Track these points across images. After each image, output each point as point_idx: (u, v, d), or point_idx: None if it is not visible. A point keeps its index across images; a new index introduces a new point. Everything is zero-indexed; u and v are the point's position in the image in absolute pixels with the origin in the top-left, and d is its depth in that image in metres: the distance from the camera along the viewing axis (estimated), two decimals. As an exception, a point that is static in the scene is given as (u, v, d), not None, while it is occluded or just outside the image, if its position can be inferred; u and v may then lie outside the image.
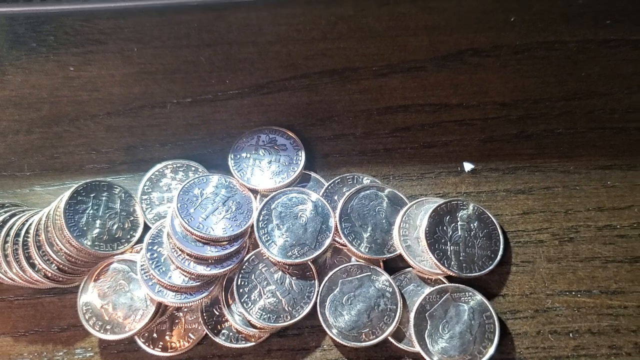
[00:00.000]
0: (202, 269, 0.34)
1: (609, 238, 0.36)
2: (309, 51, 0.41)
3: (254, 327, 0.34)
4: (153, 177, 0.38)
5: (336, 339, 0.34)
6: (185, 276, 0.34)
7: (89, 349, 0.35)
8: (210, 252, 0.34)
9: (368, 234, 0.36)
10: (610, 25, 0.41)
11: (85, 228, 0.35)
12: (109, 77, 0.41)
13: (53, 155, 0.40)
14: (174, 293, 0.34)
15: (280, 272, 0.35)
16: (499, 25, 0.41)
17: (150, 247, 0.35)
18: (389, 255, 0.35)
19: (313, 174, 0.38)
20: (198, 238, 0.34)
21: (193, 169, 0.38)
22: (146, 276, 0.34)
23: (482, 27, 0.41)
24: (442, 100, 0.40)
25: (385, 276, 0.35)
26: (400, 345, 0.34)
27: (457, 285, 0.35)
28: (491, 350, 0.33)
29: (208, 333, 0.34)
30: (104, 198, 0.36)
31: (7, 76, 0.42)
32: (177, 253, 0.34)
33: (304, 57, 0.41)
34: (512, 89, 0.40)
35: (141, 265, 0.34)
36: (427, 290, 0.35)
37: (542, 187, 0.37)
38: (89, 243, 0.35)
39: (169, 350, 0.34)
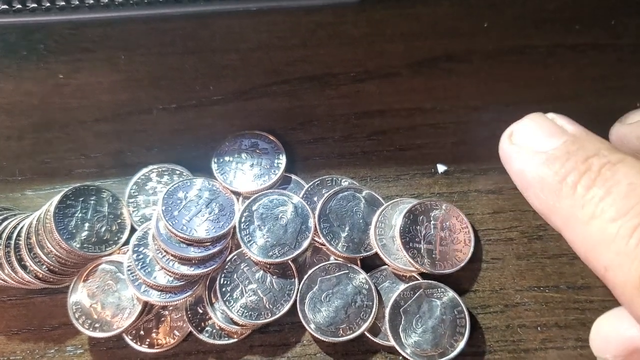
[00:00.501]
0: (185, 269, 0.35)
1: (576, 236, 0.38)
2: (289, 58, 0.43)
3: (236, 324, 0.36)
4: (139, 180, 0.39)
5: (315, 334, 0.35)
6: (170, 276, 0.35)
7: (79, 346, 0.37)
8: (194, 252, 0.36)
9: (346, 233, 0.37)
10: (579, 30, 0.43)
11: (74, 231, 0.36)
12: (97, 85, 0.43)
13: (44, 160, 0.41)
14: (159, 292, 0.35)
15: (261, 272, 0.37)
16: (472, 32, 0.43)
17: (136, 249, 0.36)
18: (365, 254, 0.37)
19: (294, 177, 0.40)
20: (182, 239, 0.36)
21: (178, 172, 0.39)
22: (132, 276, 0.36)
23: (456, 33, 0.43)
24: (417, 104, 0.41)
25: (362, 274, 0.37)
26: (376, 340, 0.36)
27: (430, 281, 0.36)
28: (462, 344, 0.35)
29: (192, 330, 0.36)
30: (92, 202, 0.38)
31: (-1, 84, 0.43)
32: (161, 254, 0.36)
33: (284, 64, 0.43)
34: (484, 93, 0.41)
35: (127, 266, 0.36)
36: (402, 286, 0.36)
37: (512, 188, 0.39)
38: (78, 245, 0.36)
39: (156, 347, 0.36)
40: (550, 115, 0.33)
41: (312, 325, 0.36)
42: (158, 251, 0.36)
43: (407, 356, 0.35)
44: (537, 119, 0.32)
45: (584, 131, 0.31)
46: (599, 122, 0.40)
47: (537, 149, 0.31)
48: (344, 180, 0.39)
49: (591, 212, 0.27)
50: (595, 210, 0.27)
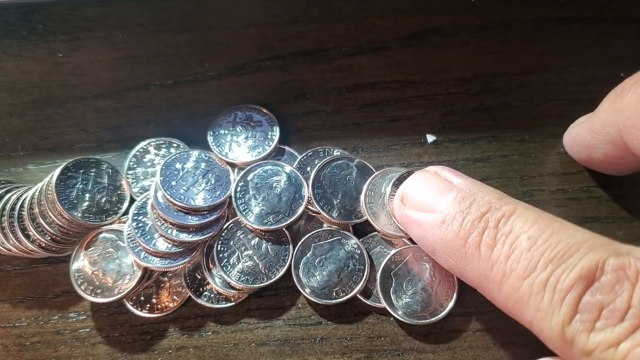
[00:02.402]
0: (184, 236, 0.37)
1: (561, 201, 0.39)
2: (282, 34, 0.44)
3: (233, 288, 0.37)
4: (138, 153, 0.40)
5: (309, 297, 0.37)
6: (169, 243, 0.37)
7: (82, 312, 0.38)
8: (192, 220, 0.37)
9: (338, 200, 0.39)
10: (565, 3, 0.44)
11: (75, 201, 0.38)
12: (96, 62, 0.44)
13: (45, 136, 0.42)
14: (159, 258, 0.37)
15: (257, 238, 0.38)
16: (460, 6, 0.44)
17: (135, 217, 0.38)
18: (356, 221, 0.38)
19: (287, 148, 0.41)
20: (180, 208, 0.37)
21: (175, 145, 0.41)
22: (132, 244, 0.37)
23: (444, 7, 0.44)
24: (407, 77, 0.42)
25: (354, 240, 0.38)
26: (368, 302, 0.37)
27: (419, 246, 0.38)
28: (451, 304, 0.36)
29: (191, 295, 0.37)
30: (92, 174, 0.39)
31: (0, 63, 0.44)
32: (160, 222, 0.37)
33: (278, 40, 0.44)
34: (471, 65, 0.42)
35: (128, 234, 0.37)
36: (392, 251, 0.38)
37: (499, 155, 0.40)
38: (79, 215, 0.37)
39: (156, 311, 0.37)
40: (432, 168, 0.33)
41: (307, 289, 0.37)
42: (157, 219, 0.37)
43: (398, 317, 0.36)
44: (422, 177, 0.33)
45: (470, 182, 0.32)
46: (583, 92, 0.42)
47: (430, 209, 0.32)
48: (336, 151, 0.41)
49: (501, 272, 0.28)
50: (505, 270, 0.28)
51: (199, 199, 0.37)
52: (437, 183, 0.32)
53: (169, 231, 0.37)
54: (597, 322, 0.25)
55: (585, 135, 0.36)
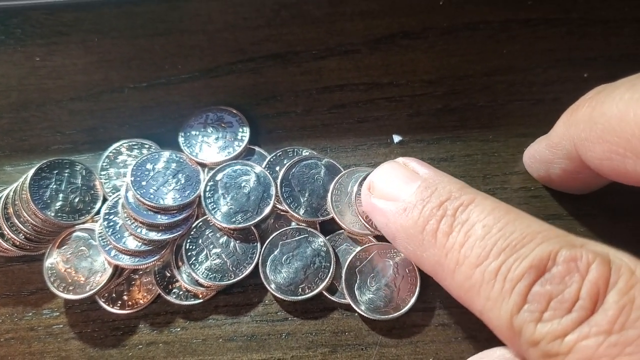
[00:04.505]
0: (153, 235, 0.38)
1: (524, 199, 0.40)
2: (254, 37, 0.45)
3: (202, 285, 0.38)
4: (111, 154, 0.41)
5: (276, 294, 0.38)
6: (139, 242, 0.38)
7: (55, 309, 0.39)
8: (161, 219, 0.38)
9: (305, 198, 0.39)
10: (532, 5, 0.45)
11: (49, 201, 0.39)
12: (72, 66, 0.45)
13: (21, 137, 0.43)
14: (129, 256, 0.38)
15: (225, 237, 0.39)
16: (428, 9, 0.45)
17: (107, 217, 0.39)
18: (322, 219, 0.39)
19: (257, 149, 0.42)
20: (149, 207, 0.38)
21: (147, 146, 0.42)
22: (103, 242, 0.38)
23: (412, 11, 0.45)
24: (375, 79, 0.43)
25: (320, 237, 0.39)
26: (333, 298, 0.38)
27: (384, 243, 0.38)
28: (413, 299, 0.37)
29: (160, 292, 0.38)
30: (66, 174, 0.40)
31: (-22, 67, 0.45)
32: (130, 221, 0.38)
33: (250, 43, 0.45)
34: (438, 67, 0.43)
35: (99, 233, 0.38)
36: (357, 249, 0.39)
37: (463, 155, 0.41)
38: (53, 214, 0.38)
39: (127, 308, 0.38)
40: (401, 160, 0.34)
41: (273, 285, 0.38)
42: (127, 218, 0.38)
43: (362, 312, 0.37)
44: (390, 167, 0.34)
45: (434, 173, 0.32)
46: (548, 92, 0.43)
47: (394, 198, 0.32)
48: (305, 151, 0.42)
49: (455, 259, 0.28)
50: (459, 257, 0.28)
51: (169, 198, 0.38)
52: (403, 173, 0.33)
53: (139, 230, 0.38)
54: (545, 312, 0.25)
55: (544, 151, 0.36)
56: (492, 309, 0.27)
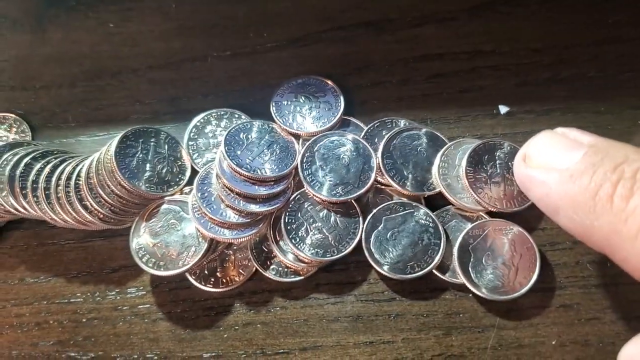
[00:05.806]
0: (252, 207, 0.35)
1: (642, 174, 0.37)
2: (343, 4, 0.42)
3: (302, 262, 0.35)
4: (199, 124, 0.39)
5: (383, 272, 0.35)
6: (236, 214, 0.35)
7: (141, 287, 0.36)
8: (260, 191, 0.35)
9: (409, 171, 0.37)
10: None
11: (136, 171, 0.36)
12: (149, 33, 0.42)
13: (97, 107, 0.41)
14: (227, 229, 0.35)
15: (325, 210, 0.36)
16: (528, -24, 0.42)
17: (200, 187, 0.36)
18: (429, 193, 0.37)
19: (352, 119, 0.39)
20: (246, 178, 0.35)
21: (237, 116, 0.39)
22: (198, 214, 0.35)
23: (512, -23, 0.42)
24: (476, 47, 0.41)
25: (428, 213, 0.36)
26: (444, 278, 0.35)
27: (498, 219, 0.36)
28: (533, 280, 0.34)
29: (258, 268, 0.36)
30: (152, 143, 0.37)
31: (48, 34, 0.43)
32: (226, 192, 0.35)
33: (339, 10, 0.42)
34: (542, 36, 0.41)
35: (193, 205, 0.35)
36: (469, 225, 0.36)
37: (576, 127, 0.38)
38: (142, 185, 0.36)
39: (221, 286, 0.35)
40: (560, 130, 0.31)
41: (380, 263, 0.35)
42: (223, 189, 0.35)
43: (479, 293, 0.34)
44: (548, 136, 0.30)
45: (602, 139, 0.29)
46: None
47: (557, 167, 0.29)
48: (403, 122, 0.39)
49: (637, 224, 0.25)
50: None
51: (266, 169, 0.36)
52: (565, 142, 0.30)
53: (236, 201, 0.35)
54: None
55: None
56: None
